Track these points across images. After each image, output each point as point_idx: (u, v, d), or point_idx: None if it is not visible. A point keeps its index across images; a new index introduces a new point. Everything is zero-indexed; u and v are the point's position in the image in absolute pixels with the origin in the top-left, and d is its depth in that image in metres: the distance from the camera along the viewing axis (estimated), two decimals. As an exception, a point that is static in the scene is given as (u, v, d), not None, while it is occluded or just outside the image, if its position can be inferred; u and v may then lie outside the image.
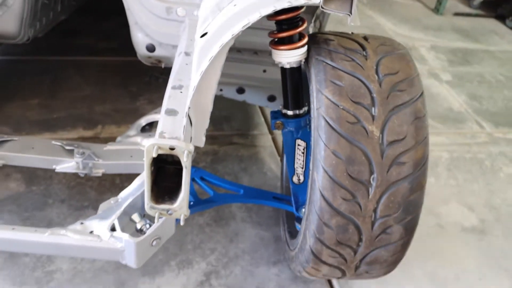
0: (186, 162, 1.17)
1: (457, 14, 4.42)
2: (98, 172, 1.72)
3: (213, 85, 1.36)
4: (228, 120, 2.52)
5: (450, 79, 3.24)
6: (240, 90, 2.11)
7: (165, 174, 1.32)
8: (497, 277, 1.87)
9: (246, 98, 2.14)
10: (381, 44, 1.40)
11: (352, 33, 1.50)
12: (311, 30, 1.91)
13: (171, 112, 1.29)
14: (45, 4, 2.25)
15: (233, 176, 2.16)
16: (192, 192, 1.68)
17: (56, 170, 1.69)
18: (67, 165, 1.69)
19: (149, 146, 1.16)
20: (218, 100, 2.36)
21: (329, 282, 1.75)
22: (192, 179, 1.73)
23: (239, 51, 1.97)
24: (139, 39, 1.97)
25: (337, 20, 3.02)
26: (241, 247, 1.81)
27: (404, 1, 4.53)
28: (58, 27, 2.51)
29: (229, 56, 1.89)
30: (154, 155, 1.16)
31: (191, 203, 1.64)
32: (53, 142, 1.74)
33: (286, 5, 1.21)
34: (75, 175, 1.92)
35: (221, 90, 2.10)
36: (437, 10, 4.35)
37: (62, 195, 1.92)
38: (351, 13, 1.21)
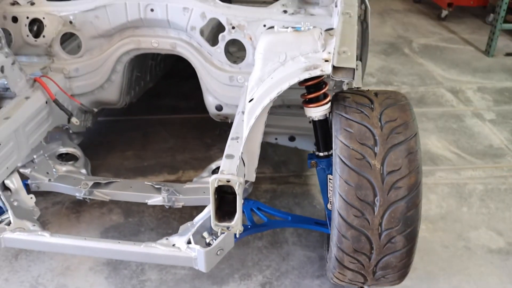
0: (238, 190, 1.66)
1: (508, 54, 4.63)
2: (179, 204, 2.24)
3: (259, 136, 1.86)
4: (285, 164, 2.97)
5: (493, 118, 3.49)
6: (292, 138, 2.57)
7: (226, 202, 1.80)
8: (519, 291, 2.13)
9: (297, 144, 2.60)
10: (386, 98, 1.83)
11: (367, 90, 1.94)
12: (345, 87, 2.36)
13: (229, 156, 1.79)
14: (138, 76, 2.90)
15: (287, 209, 2.59)
16: (250, 218, 2.15)
17: (148, 203, 2.23)
18: (156, 199, 2.23)
19: (212, 180, 1.66)
20: (276, 147, 2.85)
21: (363, 292, 2.10)
22: (251, 209, 2.20)
23: (289, 106, 2.45)
24: (210, 101, 2.53)
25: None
26: (291, 264, 2.23)
27: (456, 46, 4.83)
28: (147, 90, 3.16)
29: (280, 111, 2.39)
30: (216, 185, 1.65)
31: (249, 226, 2.11)
32: (146, 183, 2.29)
33: (307, 76, 1.69)
34: (162, 209, 2.46)
35: (276, 139, 2.57)
36: (487, 52, 4.61)
37: (151, 225, 2.46)
38: (353, 78, 1.65)
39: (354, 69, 1.62)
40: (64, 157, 2.52)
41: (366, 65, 2.73)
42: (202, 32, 2.37)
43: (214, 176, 1.66)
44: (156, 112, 3.44)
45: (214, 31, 2.45)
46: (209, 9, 2.30)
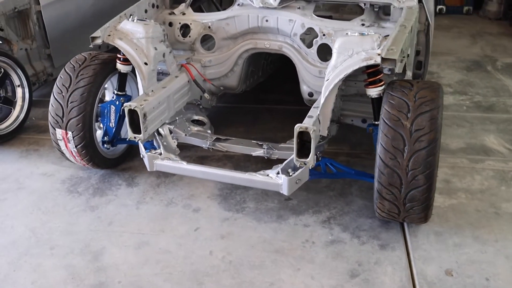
0: (312, 135, 2.50)
1: None
2: (275, 157, 3.09)
3: (331, 104, 2.68)
4: (360, 144, 3.70)
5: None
6: (364, 121, 3.32)
7: (305, 147, 2.63)
8: (532, 245, 2.68)
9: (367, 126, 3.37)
10: (423, 84, 2.57)
11: (418, 80, 2.68)
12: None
13: (310, 116, 2.65)
14: (253, 70, 3.86)
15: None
16: (323, 169, 2.97)
17: (253, 155, 3.12)
18: (258, 152, 3.11)
19: (296, 127, 2.53)
20: (353, 131, 3.58)
21: (403, 230, 2.80)
22: (325, 164, 3.01)
23: (362, 95, 3.24)
24: (304, 90, 3.39)
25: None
26: (352, 208, 2.99)
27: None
28: (258, 86, 4.10)
29: (355, 99, 3.15)
30: (298, 130, 2.51)
31: (322, 172, 2.93)
32: (252, 141, 3.20)
33: (364, 64, 2.50)
34: (262, 165, 3.34)
35: (352, 120, 3.34)
36: None
37: (256, 169, 3.31)
38: (395, 66, 2.42)
39: (395, 60, 2.40)
40: (197, 122, 3.51)
41: (427, 69, 3.42)
42: (303, 39, 3.25)
43: (298, 124, 2.53)
44: (264, 103, 4.39)
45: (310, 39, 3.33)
46: (307, 21, 3.19)
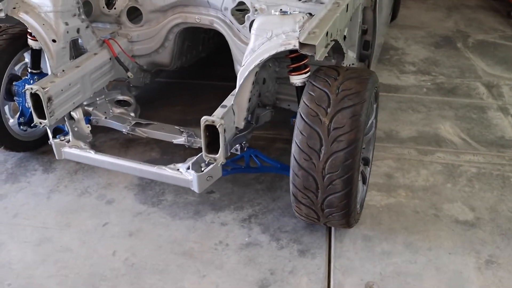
0: (220, 129, 2.21)
1: None
2: (196, 145, 2.82)
3: (247, 93, 2.38)
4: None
5: (519, 113, 3.66)
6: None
7: (215, 140, 2.34)
8: (467, 255, 2.43)
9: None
10: (352, 73, 2.26)
11: (346, 66, 2.37)
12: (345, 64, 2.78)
13: (223, 106, 2.35)
14: (189, 45, 3.52)
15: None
16: (246, 162, 2.69)
17: (173, 142, 2.84)
18: (180, 139, 2.83)
19: (202, 120, 2.23)
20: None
21: (329, 233, 2.56)
22: (249, 156, 2.74)
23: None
24: (237, 69, 3.06)
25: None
26: (278, 205, 2.74)
27: (512, 44, 4.89)
28: (200, 60, 3.77)
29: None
30: (204, 124, 2.22)
31: (242, 167, 2.65)
32: (175, 127, 2.91)
33: (282, 49, 2.18)
34: (191, 152, 3.07)
35: (288, 105, 3.05)
36: (546, 53, 4.63)
37: (179, 161, 3.07)
38: (315, 53, 2.10)
39: (315, 46, 2.08)
40: (122, 103, 3.20)
41: (376, 49, 3.10)
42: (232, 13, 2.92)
43: (204, 116, 2.23)
44: (207, 78, 4.06)
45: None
46: (238, -6, 2.84)
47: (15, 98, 2.97)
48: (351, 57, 2.89)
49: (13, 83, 2.93)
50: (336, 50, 2.69)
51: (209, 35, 3.79)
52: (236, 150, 2.67)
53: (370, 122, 2.55)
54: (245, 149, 2.69)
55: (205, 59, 3.85)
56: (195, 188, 2.42)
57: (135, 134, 2.92)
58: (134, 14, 3.24)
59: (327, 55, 2.73)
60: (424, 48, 4.73)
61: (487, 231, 2.59)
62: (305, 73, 2.36)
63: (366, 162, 2.71)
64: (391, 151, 3.20)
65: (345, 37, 2.61)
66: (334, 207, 2.21)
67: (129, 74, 3.11)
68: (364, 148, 2.64)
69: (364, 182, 2.65)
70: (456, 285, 2.28)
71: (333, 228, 2.57)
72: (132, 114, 3.08)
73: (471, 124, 3.52)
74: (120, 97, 3.18)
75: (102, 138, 3.31)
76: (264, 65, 2.70)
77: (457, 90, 3.97)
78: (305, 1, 2.77)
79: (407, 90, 3.96)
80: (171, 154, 3.16)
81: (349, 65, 2.84)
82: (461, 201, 2.80)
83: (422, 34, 5.06)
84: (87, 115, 2.96)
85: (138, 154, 3.17)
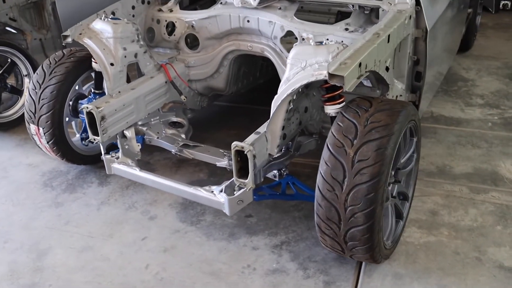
0: (249, 155, 2.27)
1: None
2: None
3: (280, 121, 2.42)
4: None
5: None
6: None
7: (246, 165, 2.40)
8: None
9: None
10: (384, 105, 2.23)
11: (383, 99, 2.34)
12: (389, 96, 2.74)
13: (257, 133, 2.41)
14: (246, 72, 3.64)
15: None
16: (283, 189, 2.72)
17: (217, 165, 2.94)
18: (222, 163, 2.92)
19: (232, 145, 2.30)
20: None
21: (359, 267, 2.50)
22: (287, 182, 2.76)
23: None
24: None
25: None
26: (313, 234, 2.72)
27: None
28: (262, 85, 3.86)
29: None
30: (233, 150, 2.29)
31: (277, 193, 2.68)
32: (220, 150, 3.01)
33: (312, 79, 2.21)
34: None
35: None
36: None
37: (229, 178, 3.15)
38: (344, 84, 2.10)
39: (343, 77, 2.09)
40: (176, 125, 3.37)
41: (432, 80, 3.00)
42: (282, 41, 2.99)
43: (234, 142, 2.31)
44: (266, 104, 4.13)
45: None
46: (286, 23, 2.92)
47: (80, 115, 3.24)
48: (398, 88, 2.84)
49: (79, 102, 3.20)
50: (380, 81, 2.67)
51: (268, 62, 3.88)
52: (274, 176, 2.72)
53: (407, 156, 2.48)
54: (283, 176, 2.72)
55: (265, 84, 3.93)
56: (226, 210, 2.48)
57: (182, 155, 3.07)
58: (193, 41, 3.43)
59: (371, 86, 2.74)
60: (497, 80, 4.49)
61: (534, 281, 2.40)
62: (339, 103, 2.36)
63: (405, 197, 2.62)
64: (440, 187, 3.06)
65: (387, 68, 2.58)
66: (356, 241, 2.17)
67: (183, 97, 3.28)
68: (401, 182, 2.57)
69: (399, 217, 2.57)
70: (488, 336, 2.13)
71: (363, 263, 2.51)
72: (183, 136, 3.23)
73: (536, 163, 3.28)
74: (174, 119, 3.35)
75: (157, 156, 3.50)
76: (307, 94, 2.75)
77: (527, 126, 3.72)
78: (352, 31, 2.78)
79: (470, 123, 3.77)
80: (219, 176, 3.26)
81: (396, 96, 2.79)
82: (510, 245, 2.61)
83: (498, 65, 4.80)
84: (141, 134, 3.15)
85: (187, 174, 3.30)
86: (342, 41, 2.48)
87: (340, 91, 2.36)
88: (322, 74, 2.18)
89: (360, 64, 2.21)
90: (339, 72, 2.10)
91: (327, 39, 2.40)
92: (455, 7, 3.62)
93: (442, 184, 3.09)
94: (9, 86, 4.01)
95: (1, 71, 3.94)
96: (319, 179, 2.17)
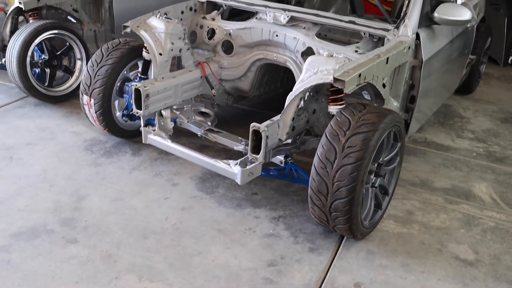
0: (263, 135, 2.84)
1: None
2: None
3: (291, 113, 2.99)
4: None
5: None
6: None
7: (259, 144, 2.97)
8: (454, 284, 2.76)
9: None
10: (376, 109, 2.80)
11: (375, 106, 2.91)
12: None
13: (272, 120, 2.99)
14: (269, 80, 4.24)
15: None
16: (287, 173, 3.28)
17: (234, 148, 3.51)
18: (239, 147, 3.49)
19: (251, 125, 2.88)
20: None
21: (340, 243, 3.02)
22: (290, 169, 3.32)
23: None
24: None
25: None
26: (307, 214, 3.25)
27: None
28: (279, 95, 4.45)
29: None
30: (251, 129, 2.87)
31: (281, 174, 3.24)
32: (238, 137, 3.58)
33: (320, 81, 2.80)
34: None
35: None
36: None
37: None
38: (344, 87, 2.68)
39: (344, 81, 2.67)
40: (204, 114, 3.96)
41: (418, 104, 3.56)
42: (302, 56, 3.60)
43: (253, 123, 2.89)
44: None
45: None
46: (307, 41, 3.52)
47: (124, 95, 3.86)
48: (393, 105, 3.41)
49: (125, 84, 3.81)
50: (378, 95, 3.24)
51: (288, 75, 4.48)
52: (281, 162, 3.28)
53: (390, 156, 3.03)
54: (288, 163, 3.28)
55: (284, 94, 4.51)
56: (238, 180, 3.04)
57: (207, 137, 3.65)
58: (228, 47, 4.05)
59: (369, 99, 3.31)
60: (491, 121, 5.02)
61: (482, 271, 2.89)
62: (341, 104, 2.93)
63: (386, 192, 3.16)
64: (420, 195, 3.59)
65: (384, 85, 3.15)
66: (339, 212, 2.71)
67: (213, 92, 3.88)
68: (384, 178, 3.11)
69: (379, 207, 3.10)
70: (434, 303, 2.63)
71: (344, 239, 3.03)
72: (209, 123, 3.82)
73: (507, 189, 3.78)
74: (203, 109, 3.96)
75: (183, 140, 4.08)
76: (317, 99, 3.33)
77: (507, 160, 4.23)
78: (360, 53, 3.37)
79: (457, 151, 4.30)
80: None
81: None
82: (468, 244, 3.11)
83: (494, 109, 5.34)
84: (174, 118, 3.75)
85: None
86: (348, 57, 3.06)
87: (343, 95, 2.94)
88: (329, 78, 2.77)
89: (360, 75, 2.79)
90: (342, 77, 2.69)
91: (326, 52, 3.00)
92: (455, 49, 4.20)
93: (421, 193, 3.62)
94: (64, 66, 4.67)
95: (60, 52, 4.61)
96: (315, 159, 2.73)
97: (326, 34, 3.88)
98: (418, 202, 3.50)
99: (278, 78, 4.39)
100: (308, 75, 2.94)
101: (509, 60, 7.00)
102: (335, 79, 2.70)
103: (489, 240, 3.17)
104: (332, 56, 2.94)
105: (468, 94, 5.63)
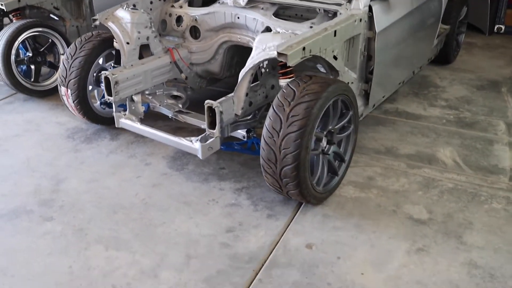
0: (216, 111, 3.03)
1: None
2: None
3: (244, 88, 3.17)
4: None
5: (526, 151, 3.94)
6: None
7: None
8: (404, 241, 2.91)
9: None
10: (321, 79, 2.96)
11: (320, 76, 3.07)
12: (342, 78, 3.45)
13: (226, 96, 3.17)
14: (238, 61, 4.40)
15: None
16: (249, 146, 3.46)
17: (202, 127, 3.70)
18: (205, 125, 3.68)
19: (205, 102, 3.07)
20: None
21: (298, 209, 3.20)
22: (252, 142, 3.50)
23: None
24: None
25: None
26: (269, 184, 3.44)
27: None
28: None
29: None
30: (206, 106, 3.05)
31: (240, 148, 3.43)
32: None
33: (267, 57, 2.96)
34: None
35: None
36: None
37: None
38: (287, 60, 2.84)
39: (287, 55, 2.83)
40: (176, 98, 4.16)
41: (378, 75, 3.69)
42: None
43: (207, 101, 3.08)
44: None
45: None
46: (266, 20, 3.68)
47: (101, 84, 4.07)
48: (350, 76, 3.55)
49: (100, 73, 4.03)
50: (332, 67, 3.38)
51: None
52: (243, 137, 3.46)
53: (340, 124, 3.18)
54: (250, 137, 3.46)
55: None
56: (199, 154, 3.24)
57: (177, 118, 3.85)
58: (196, 32, 4.23)
59: (324, 71, 3.46)
60: (466, 89, 5.10)
61: (433, 229, 3.03)
62: (290, 78, 3.09)
63: (342, 159, 3.32)
64: (383, 162, 3.73)
65: (335, 57, 3.29)
66: (288, 177, 2.88)
67: (183, 75, 4.08)
68: (340, 147, 3.27)
69: (335, 173, 3.26)
70: (380, 259, 2.78)
71: (302, 205, 3.20)
72: (180, 106, 4.01)
73: (471, 152, 3.89)
74: (175, 93, 4.15)
75: (160, 123, 4.28)
76: (274, 74, 3.50)
77: (476, 125, 4.33)
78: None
79: (427, 119, 4.41)
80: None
81: (348, 82, 3.49)
82: (424, 205, 3.25)
83: (472, 77, 5.41)
84: (147, 102, 3.96)
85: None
86: (295, 33, 3.22)
87: (291, 68, 3.10)
88: (274, 53, 2.93)
89: (304, 48, 2.95)
90: (285, 51, 2.85)
91: (283, 30, 3.16)
92: (418, 20, 4.30)
93: (385, 160, 3.76)
94: (48, 61, 4.92)
95: (43, 48, 4.85)
96: (264, 129, 2.90)
97: (285, 12, 4.02)
98: (380, 169, 3.65)
99: (247, 58, 4.53)
100: (258, 52, 3.10)
101: (495, 29, 7.02)
102: (279, 54, 2.86)
103: (445, 200, 3.30)
104: (278, 32, 3.10)
105: (447, 64, 5.70)
